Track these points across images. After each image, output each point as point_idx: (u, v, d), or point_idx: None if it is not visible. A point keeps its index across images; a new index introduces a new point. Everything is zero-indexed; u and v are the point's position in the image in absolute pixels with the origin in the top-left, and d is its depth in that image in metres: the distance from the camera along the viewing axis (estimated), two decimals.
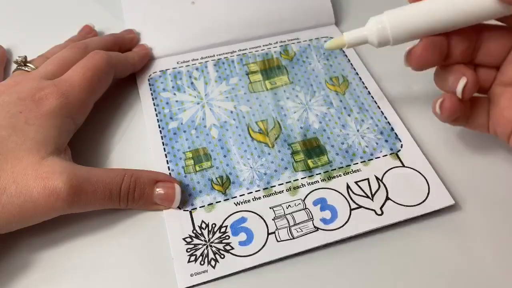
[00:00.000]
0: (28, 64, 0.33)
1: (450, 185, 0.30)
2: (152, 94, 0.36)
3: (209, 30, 0.39)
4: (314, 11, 0.41)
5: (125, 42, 0.38)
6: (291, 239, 0.28)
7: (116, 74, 0.35)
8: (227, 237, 0.28)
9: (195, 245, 0.27)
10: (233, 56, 0.39)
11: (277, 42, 0.40)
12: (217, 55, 0.39)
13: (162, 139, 0.33)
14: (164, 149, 0.32)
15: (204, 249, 0.27)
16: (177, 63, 0.38)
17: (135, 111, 0.35)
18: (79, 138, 0.31)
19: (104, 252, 0.28)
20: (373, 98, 0.35)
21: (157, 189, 0.29)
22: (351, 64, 0.38)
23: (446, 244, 0.28)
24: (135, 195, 0.28)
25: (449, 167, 0.31)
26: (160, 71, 0.37)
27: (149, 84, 0.36)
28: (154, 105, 0.35)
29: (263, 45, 0.40)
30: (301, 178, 0.31)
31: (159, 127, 0.33)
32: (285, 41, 0.40)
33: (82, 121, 0.31)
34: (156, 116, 0.34)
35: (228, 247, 0.27)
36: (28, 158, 0.26)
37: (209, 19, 0.40)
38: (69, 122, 0.29)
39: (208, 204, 0.29)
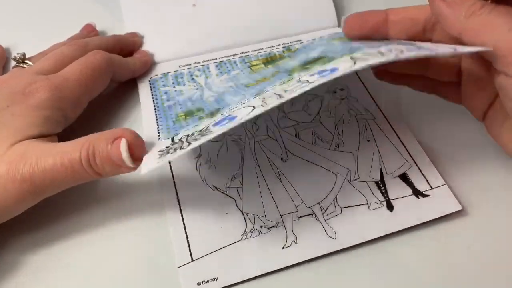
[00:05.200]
0: (26, 61, 0.33)
1: (456, 190, 0.30)
2: (151, 90, 0.36)
3: (211, 34, 0.39)
4: (317, 14, 0.41)
5: (128, 44, 0.38)
6: None
7: (115, 77, 0.34)
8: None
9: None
10: (235, 58, 0.38)
11: (279, 45, 0.40)
12: (219, 58, 0.38)
13: (155, 110, 0.34)
14: (157, 122, 0.33)
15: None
16: (179, 66, 0.38)
17: (135, 115, 0.35)
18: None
19: (104, 254, 0.28)
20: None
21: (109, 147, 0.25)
22: None
23: (453, 250, 0.28)
24: (96, 161, 0.25)
25: (454, 170, 0.31)
26: (161, 74, 0.37)
27: (150, 84, 0.36)
28: (152, 96, 0.35)
29: (266, 47, 0.39)
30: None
31: (154, 106, 0.34)
32: (287, 43, 0.40)
33: (74, 117, 0.31)
34: (153, 102, 0.34)
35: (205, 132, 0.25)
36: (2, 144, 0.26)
37: (211, 23, 0.40)
38: (58, 114, 0.29)
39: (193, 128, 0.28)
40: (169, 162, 0.31)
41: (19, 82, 0.29)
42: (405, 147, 0.32)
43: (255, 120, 0.34)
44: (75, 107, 0.30)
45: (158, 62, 0.38)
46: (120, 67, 0.34)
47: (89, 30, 0.39)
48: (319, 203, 0.29)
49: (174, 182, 0.30)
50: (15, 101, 0.28)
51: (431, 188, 0.30)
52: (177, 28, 0.39)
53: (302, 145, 0.32)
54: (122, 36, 0.38)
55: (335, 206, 0.29)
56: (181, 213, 0.29)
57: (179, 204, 0.29)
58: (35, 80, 0.29)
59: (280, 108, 0.35)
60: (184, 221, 0.29)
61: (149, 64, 0.38)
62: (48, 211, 0.29)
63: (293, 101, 0.35)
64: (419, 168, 0.31)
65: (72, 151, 0.25)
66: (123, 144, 0.25)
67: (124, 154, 0.25)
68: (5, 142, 0.26)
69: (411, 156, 0.31)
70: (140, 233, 0.29)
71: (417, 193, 0.30)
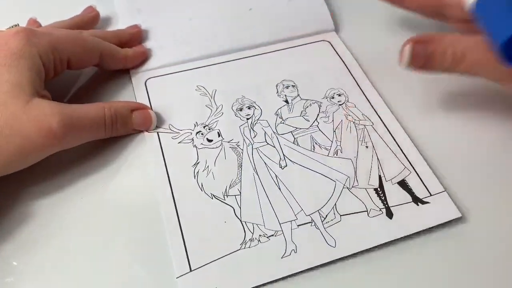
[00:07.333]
0: None
1: (455, 196, 0.30)
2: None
3: (209, 39, 0.39)
4: (313, 19, 0.41)
5: (125, 36, 0.38)
6: None
7: (105, 61, 0.35)
8: None
9: None
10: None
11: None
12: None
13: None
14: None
15: None
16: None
17: None
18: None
19: (100, 263, 0.27)
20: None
21: (134, 117, 0.32)
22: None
23: (452, 257, 0.28)
24: (118, 126, 0.31)
25: (453, 177, 0.31)
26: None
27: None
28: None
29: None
30: None
31: None
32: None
33: (51, 71, 0.30)
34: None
35: None
36: (12, 102, 0.27)
37: (209, 29, 0.39)
38: (38, 62, 0.29)
39: None
40: (166, 170, 0.31)
41: (1, 32, 0.30)
42: (403, 153, 0.32)
43: (252, 127, 0.33)
44: (52, 59, 0.30)
45: (156, 67, 0.38)
46: (108, 51, 0.35)
47: (89, 11, 0.39)
48: (318, 210, 0.29)
49: (171, 189, 0.30)
50: None
51: (431, 195, 0.30)
52: (174, 32, 0.39)
53: (301, 151, 0.32)
54: (119, 30, 0.38)
55: (334, 214, 0.29)
56: (179, 221, 0.29)
57: (177, 213, 0.29)
58: (14, 29, 0.29)
59: (278, 114, 0.34)
60: (182, 230, 0.28)
61: (144, 56, 0.38)
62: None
63: (291, 107, 0.35)
64: (418, 174, 0.31)
65: (97, 112, 0.30)
66: (152, 114, 0.33)
67: (154, 121, 0.33)
68: (17, 99, 0.27)
69: (410, 162, 0.31)
70: (137, 242, 0.28)
71: (417, 200, 0.29)
